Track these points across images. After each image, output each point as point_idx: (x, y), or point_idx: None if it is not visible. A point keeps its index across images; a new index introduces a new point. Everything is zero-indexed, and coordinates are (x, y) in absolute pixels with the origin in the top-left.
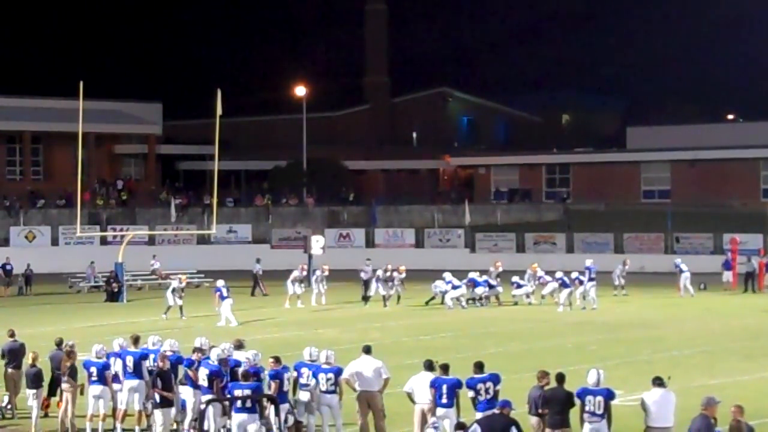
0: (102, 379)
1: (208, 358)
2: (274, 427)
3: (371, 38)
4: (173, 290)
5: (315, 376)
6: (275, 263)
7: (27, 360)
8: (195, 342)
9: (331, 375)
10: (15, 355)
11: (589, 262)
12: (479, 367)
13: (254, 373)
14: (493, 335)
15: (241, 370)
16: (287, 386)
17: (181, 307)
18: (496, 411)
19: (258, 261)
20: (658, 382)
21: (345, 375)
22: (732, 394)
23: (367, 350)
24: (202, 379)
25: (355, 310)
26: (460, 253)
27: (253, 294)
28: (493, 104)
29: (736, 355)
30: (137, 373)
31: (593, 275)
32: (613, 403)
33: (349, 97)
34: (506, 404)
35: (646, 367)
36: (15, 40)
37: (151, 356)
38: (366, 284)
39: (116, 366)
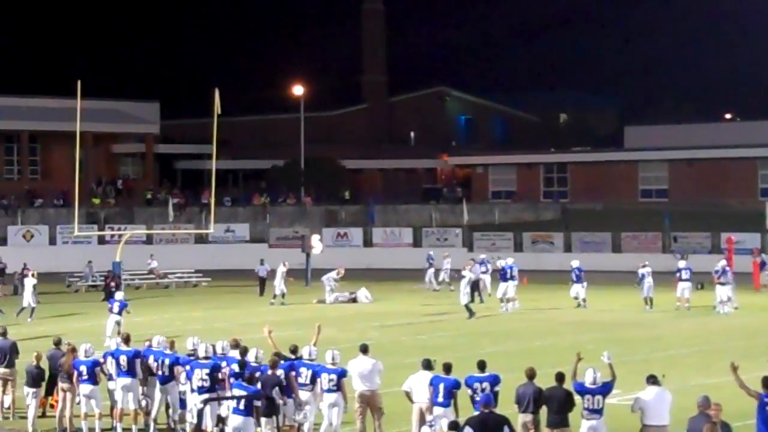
0: (92, 378)
1: (197, 358)
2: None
3: (369, 37)
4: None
5: (318, 375)
6: (273, 263)
7: (30, 359)
8: (187, 344)
9: (333, 376)
10: (5, 353)
11: (508, 262)
12: (481, 366)
13: (254, 375)
14: (491, 334)
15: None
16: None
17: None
18: (485, 410)
19: (262, 262)
20: (653, 380)
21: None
22: (729, 393)
23: (364, 349)
24: (201, 379)
25: (353, 309)
26: (458, 252)
27: (261, 294)
28: (491, 103)
29: (733, 354)
30: (130, 371)
31: (512, 274)
32: (611, 402)
33: (346, 96)
34: (488, 401)
35: (644, 366)
36: (13, 39)
37: (152, 357)
38: (475, 285)
39: (110, 365)
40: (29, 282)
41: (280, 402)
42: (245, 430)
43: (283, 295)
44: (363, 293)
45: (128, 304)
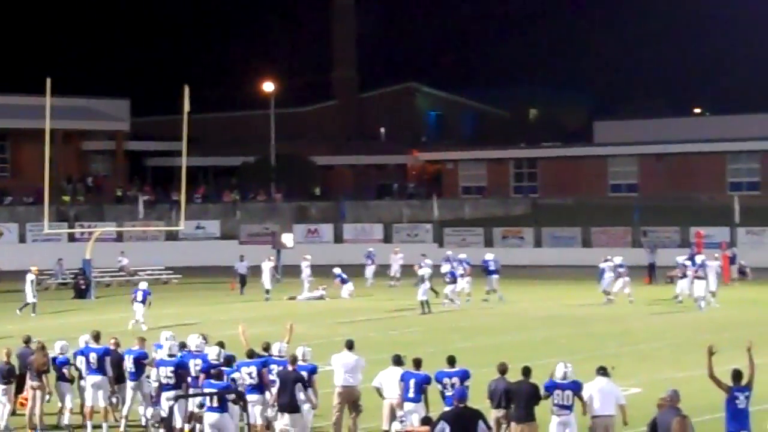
0: (64, 376)
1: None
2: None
3: (339, 33)
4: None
5: None
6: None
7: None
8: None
9: (304, 373)
10: None
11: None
12: (450, 362)
13: (222, 371)
14: (462, 330)
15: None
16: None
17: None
18: (459, 405)
19: (241, 259)
20: (602, 371)
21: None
22: (698, 387)
23: (350, 345)
24: (166, 377)
25: (324, 305)
26: (429, 248)
27: (242, 293)
28: (461, 99)
29: (702, 347)
30: (100, 369)
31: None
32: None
33: (316, 92)
34: (462, 396)
35: (614, 360)
36: None
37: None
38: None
39: (80, 363)
40: (29, 278)
41: (302, 397)
42: (222, 426)
43: (267, 291)
44: (347, 289)
45: (151, 293)
